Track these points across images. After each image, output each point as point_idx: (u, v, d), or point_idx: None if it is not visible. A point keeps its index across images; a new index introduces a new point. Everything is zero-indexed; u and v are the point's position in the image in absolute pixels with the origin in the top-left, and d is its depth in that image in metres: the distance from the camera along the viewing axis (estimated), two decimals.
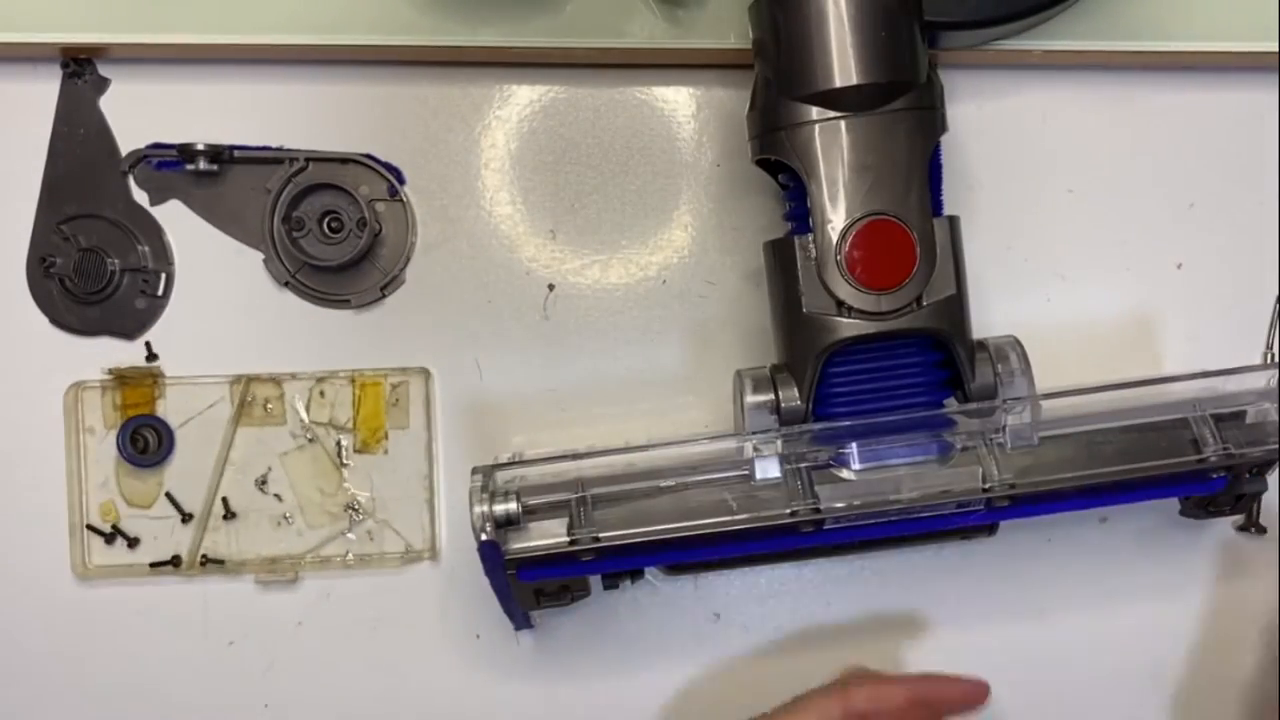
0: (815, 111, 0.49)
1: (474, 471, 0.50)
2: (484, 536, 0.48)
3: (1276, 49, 0.56)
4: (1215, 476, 0.51)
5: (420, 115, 0.59)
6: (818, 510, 0.49)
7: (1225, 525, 0.60)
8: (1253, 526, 0.59)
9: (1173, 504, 0.58)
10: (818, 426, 0.51)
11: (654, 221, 0.59)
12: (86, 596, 0.59)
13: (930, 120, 0.50)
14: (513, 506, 0.48)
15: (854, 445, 0.50)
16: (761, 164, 0.53)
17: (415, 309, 0.59)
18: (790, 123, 0.49)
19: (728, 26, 0.55)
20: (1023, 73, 0.59)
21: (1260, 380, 0.52)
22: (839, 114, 0.49)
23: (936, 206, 0.51)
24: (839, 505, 0.49)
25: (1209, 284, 0.60)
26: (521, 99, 0.59)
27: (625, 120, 0.59)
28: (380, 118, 0.58)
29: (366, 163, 0.58)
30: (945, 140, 0.52)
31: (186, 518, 0.59)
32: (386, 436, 0.59)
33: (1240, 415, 0.52)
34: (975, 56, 0.57)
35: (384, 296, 0.59)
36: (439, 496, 0.59)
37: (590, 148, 0.59)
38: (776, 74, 0.50)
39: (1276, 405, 0.51)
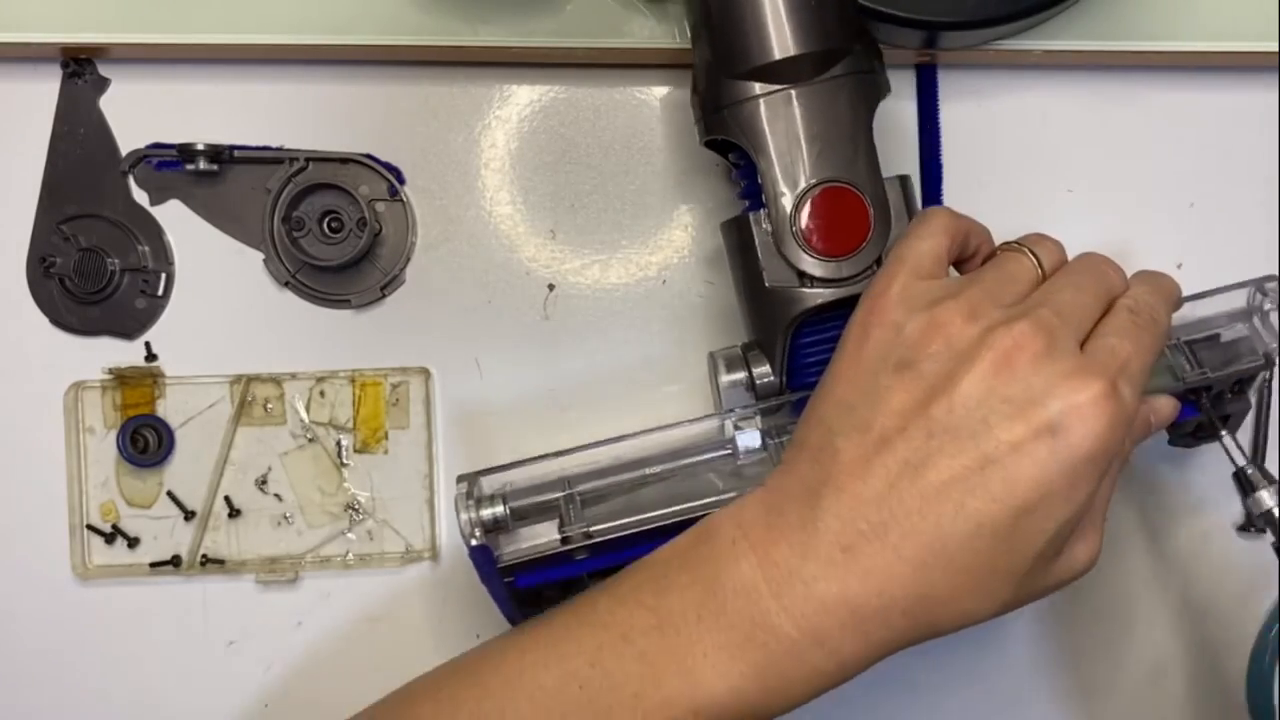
0: (757, 87, 0.49)
1: (459, 480, 0.50)
2: (474, 542, 0.48)
3: (1277, 49, 0.56)
4: (1191, 401, 0.51)
5: (420, 115, 0.59)
6: None
7: (1226, 526, 0.60)
8: (1253, 527, 0.59)
9: (1173, 497, 0.58)
10: (794, 397, 0.51)
11: (654, 221, 0.59)
12: (86, 596, 0.59)
13: (871, 84, 0.50)
14: (500, 510, 0.48)
15: None
16: (711, 146, 0.53)
17: (415, 309, 0.59)
18: (733, 100, 0.49)
19: None
20: (1023, 73, 0.59)
21: (1233, 302, 0.52)
22: (779, 86, 0.49)
23: (937, 203, 0.51)
24: None
25: (1209, 284, 0.59)
26: (521, 99, 0.59)
27: (625, 120, 0.59)
28: (380, 118, 0.58)
29: (366, 163, 0.58)
30: (946, 140, 0.52)
31: (189, 515, 0.59)
32: (386, 436, 0.59)
33: (1215, 338, 0.52)
34: (975, 56, 0.57)
35: (384, 296, 0.59)
36: (439, 496, 0.59)
37: (590, 148, 0.59)
38: (714, 55, 0.50)
39: (1249, 324, 0.52)
